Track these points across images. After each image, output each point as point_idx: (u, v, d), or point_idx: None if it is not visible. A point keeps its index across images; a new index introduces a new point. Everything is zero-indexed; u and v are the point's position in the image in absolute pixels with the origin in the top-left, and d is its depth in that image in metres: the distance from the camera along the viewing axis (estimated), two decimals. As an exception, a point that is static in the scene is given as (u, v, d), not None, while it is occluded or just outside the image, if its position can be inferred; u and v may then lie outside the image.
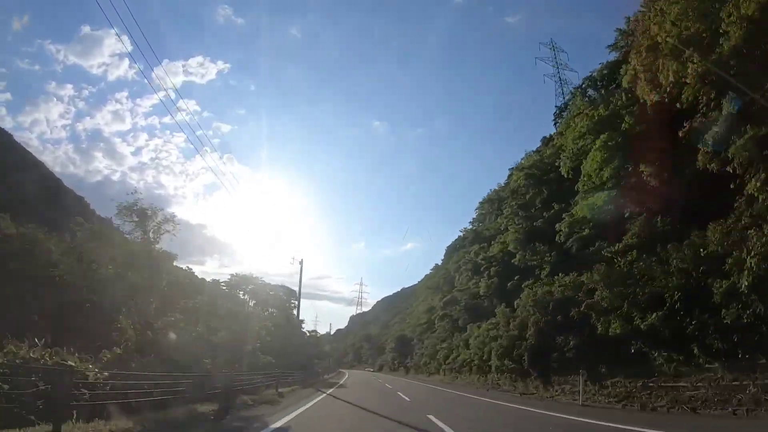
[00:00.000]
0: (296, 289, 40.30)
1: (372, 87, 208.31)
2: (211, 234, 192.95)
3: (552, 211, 33.45)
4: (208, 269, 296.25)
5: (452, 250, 74.65)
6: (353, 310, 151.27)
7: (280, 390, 20.59)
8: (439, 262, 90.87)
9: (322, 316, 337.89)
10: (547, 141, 46.91)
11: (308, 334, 52.41)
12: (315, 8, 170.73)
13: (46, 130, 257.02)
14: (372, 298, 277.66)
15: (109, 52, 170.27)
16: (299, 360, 36.04)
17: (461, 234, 66.92)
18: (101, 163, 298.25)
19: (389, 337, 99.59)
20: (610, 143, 22.87)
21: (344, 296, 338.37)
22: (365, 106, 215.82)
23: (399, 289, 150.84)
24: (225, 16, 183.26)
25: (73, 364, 8.78)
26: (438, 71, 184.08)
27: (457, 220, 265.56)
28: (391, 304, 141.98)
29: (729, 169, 14.54)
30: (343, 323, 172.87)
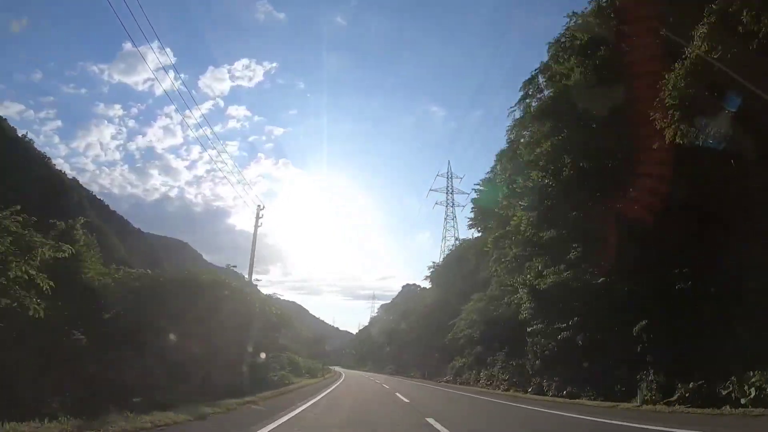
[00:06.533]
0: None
1: (425, 70, 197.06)
2: (272, 242, 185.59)
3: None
4: (273, 278, 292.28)
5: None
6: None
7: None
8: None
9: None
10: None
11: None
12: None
13: (100, 153, 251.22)
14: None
15: (153, 67, 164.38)
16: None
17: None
18: (157, 180, 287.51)
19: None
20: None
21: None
22: (419, 91, 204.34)
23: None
24: (265, 12, 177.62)
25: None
26: (492, 46, 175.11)
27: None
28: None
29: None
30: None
